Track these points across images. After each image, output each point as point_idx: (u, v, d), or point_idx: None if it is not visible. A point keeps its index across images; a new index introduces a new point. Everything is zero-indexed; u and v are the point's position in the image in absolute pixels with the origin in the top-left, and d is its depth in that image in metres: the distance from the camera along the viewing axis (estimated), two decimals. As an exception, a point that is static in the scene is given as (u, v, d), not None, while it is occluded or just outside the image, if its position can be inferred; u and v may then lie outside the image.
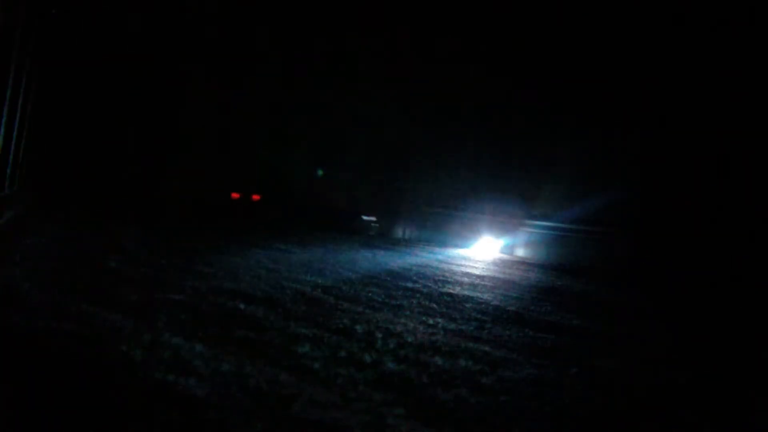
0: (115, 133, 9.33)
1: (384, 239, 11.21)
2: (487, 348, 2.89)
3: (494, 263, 8.85)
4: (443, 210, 12.64)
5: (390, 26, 11.53)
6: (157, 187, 10.21)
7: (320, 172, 12.08)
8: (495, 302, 4.56)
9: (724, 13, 9.45)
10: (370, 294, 4.02)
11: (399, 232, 13.03)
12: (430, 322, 3.36)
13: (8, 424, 1.38)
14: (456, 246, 11.53)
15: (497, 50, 11.45)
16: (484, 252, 11.29)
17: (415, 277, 5.41)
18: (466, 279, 5.95)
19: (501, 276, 6.88)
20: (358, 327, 2.91)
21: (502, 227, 11.98)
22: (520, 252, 11.95)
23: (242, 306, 2.95)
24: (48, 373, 1.70)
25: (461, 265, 7.50)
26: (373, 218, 12.48)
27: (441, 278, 5.67)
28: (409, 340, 2.81)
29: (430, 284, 5.07)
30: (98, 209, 7.30)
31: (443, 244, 11.61)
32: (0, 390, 1.56)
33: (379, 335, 2.81)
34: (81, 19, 7.06)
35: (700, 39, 9.73)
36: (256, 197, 11.80)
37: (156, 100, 10.02)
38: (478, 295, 4.85)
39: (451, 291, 4.83)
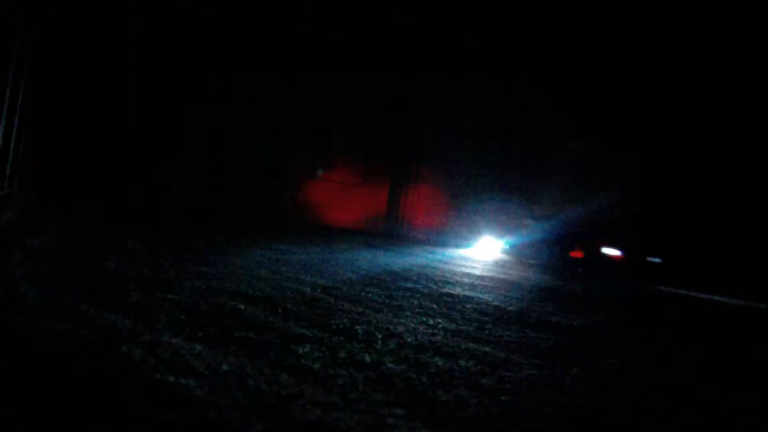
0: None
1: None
2: (487, 348, 2.88)
3: (495, 264, 8.84)
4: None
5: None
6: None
7: (320, 172, 11.91)
8: (495, 303, 4.56)
9: (723, 13, 9.46)
10: (370, 294, 4.02)
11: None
12: (430, 322, 3.36)
13: (9, 425, 1.38)
14: (456, 246, 11.51)
15: (499, 50, 11.45)
16: (485, 252, 11.28)
17: (415, 278, 5.40)
18: (466, 279, 5.94)
19: (501, 276, 6.87)
20: (358, 327, 2.91)
21: (504, 227, 11.94)
22: (521, 252, 11.92)
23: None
24: (48, 374, 1.70)
25: (461, 266, 7.50)
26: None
27: (441, 279, 5.67)
28: (410, 340, 2.81)
29: (430, 285, 5.07)
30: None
31: (443, 244, 11.58)
32: (1, 390, 1.56)
33: (380, 336, 2.81)
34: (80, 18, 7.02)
35: (699, 38, 9.74)
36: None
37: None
38: (479, 295, 4.85)
39: (451, 291, 4.82)
